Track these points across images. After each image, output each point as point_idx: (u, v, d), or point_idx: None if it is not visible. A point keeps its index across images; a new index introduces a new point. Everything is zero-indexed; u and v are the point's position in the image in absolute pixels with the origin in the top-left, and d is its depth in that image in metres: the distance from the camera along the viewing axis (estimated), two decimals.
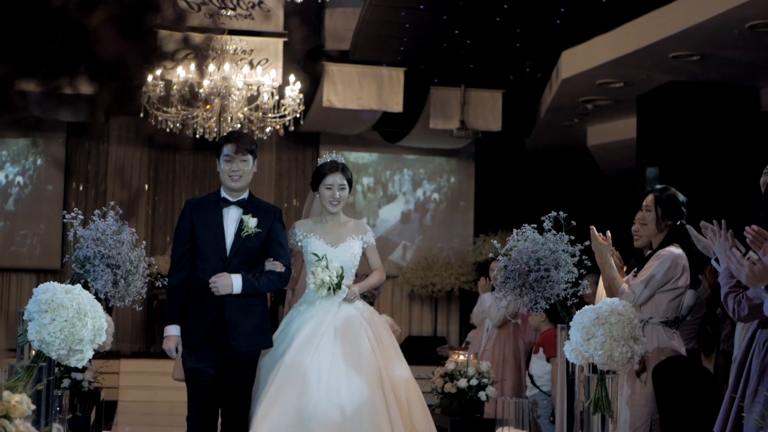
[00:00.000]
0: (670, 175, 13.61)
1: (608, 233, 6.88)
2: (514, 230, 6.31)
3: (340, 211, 7.10)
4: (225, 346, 6.53)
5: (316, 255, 6.91)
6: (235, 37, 14.32)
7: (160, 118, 13.94)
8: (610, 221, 7.70)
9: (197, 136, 13.98)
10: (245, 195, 6.75)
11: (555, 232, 6.21)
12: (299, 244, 7.02)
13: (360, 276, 7.41)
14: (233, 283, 6.51)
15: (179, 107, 13.83)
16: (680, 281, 6.67)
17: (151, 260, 6.12)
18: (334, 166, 7.07)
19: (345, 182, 7.07)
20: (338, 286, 6.84)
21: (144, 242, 6.14)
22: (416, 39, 16.03)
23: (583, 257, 6.26)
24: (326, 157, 7.19)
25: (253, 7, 14.96)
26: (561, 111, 16.31)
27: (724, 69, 13.26)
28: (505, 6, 14.44)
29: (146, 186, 18.64)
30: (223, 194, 6.74)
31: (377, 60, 16.46)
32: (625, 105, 15.37)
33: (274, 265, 6.65)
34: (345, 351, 6.64)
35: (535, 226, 6.28)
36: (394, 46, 16.28)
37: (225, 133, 13.28)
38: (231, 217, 6.68)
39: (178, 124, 13.97)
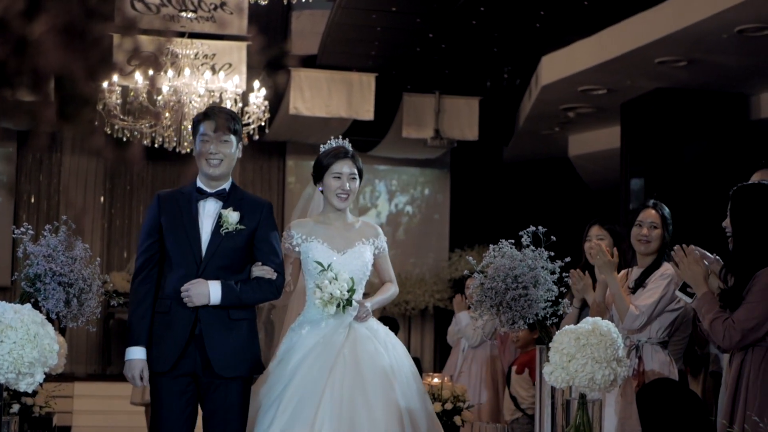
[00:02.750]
0: (656, 186, 13.65)
1: (615, 250, 6.95)
2: (491, 245, 6.30)
3: (347, 210, 6.33)
4: (204, 371, 5.71)
5: (319, 264, 6.09)
6: (196, 41, 14.25)
7: (116, 127, 13.87)
8: None
9: (156, 145, 13.93)
10: (227, 185, 5.92)
11: (534, 248, 6.21)
12: (297, 249, 6.17)
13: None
14: (210, 291, 5.65)
15: (136, 115, 13.75)
16: (681, 301, 6.74)
17: (106, 278, 6.01)
18: (343, 152, 6.26)
19: (356, 172, 6.25)
20: (349, 302, 6.05)
21: (98, 258, 5.99)
22: (388, 43, 16.03)
23: (564, 274, 6.28)
24: (330, 143, 6.37)
25: (215, 9, 14.87)
26: (541, 119, 16.34)
27: (712, 75, 13.32)
28: (482, 9, 14.45)
29: (102, 198, 18.53)
30: (200, 184, 5.91)
31: (347, 65, 16.45)
32: (608, 113, 15.41)
33: (262, 271, 5.81)
34: (357, 381, 5.80)
35: (513, 241, 6.29)
36: (364, 51, 16.27)
37: (185, 143, 13.36)
38: (208, 212, 5.85)
39: (135, 133, 13.91)
